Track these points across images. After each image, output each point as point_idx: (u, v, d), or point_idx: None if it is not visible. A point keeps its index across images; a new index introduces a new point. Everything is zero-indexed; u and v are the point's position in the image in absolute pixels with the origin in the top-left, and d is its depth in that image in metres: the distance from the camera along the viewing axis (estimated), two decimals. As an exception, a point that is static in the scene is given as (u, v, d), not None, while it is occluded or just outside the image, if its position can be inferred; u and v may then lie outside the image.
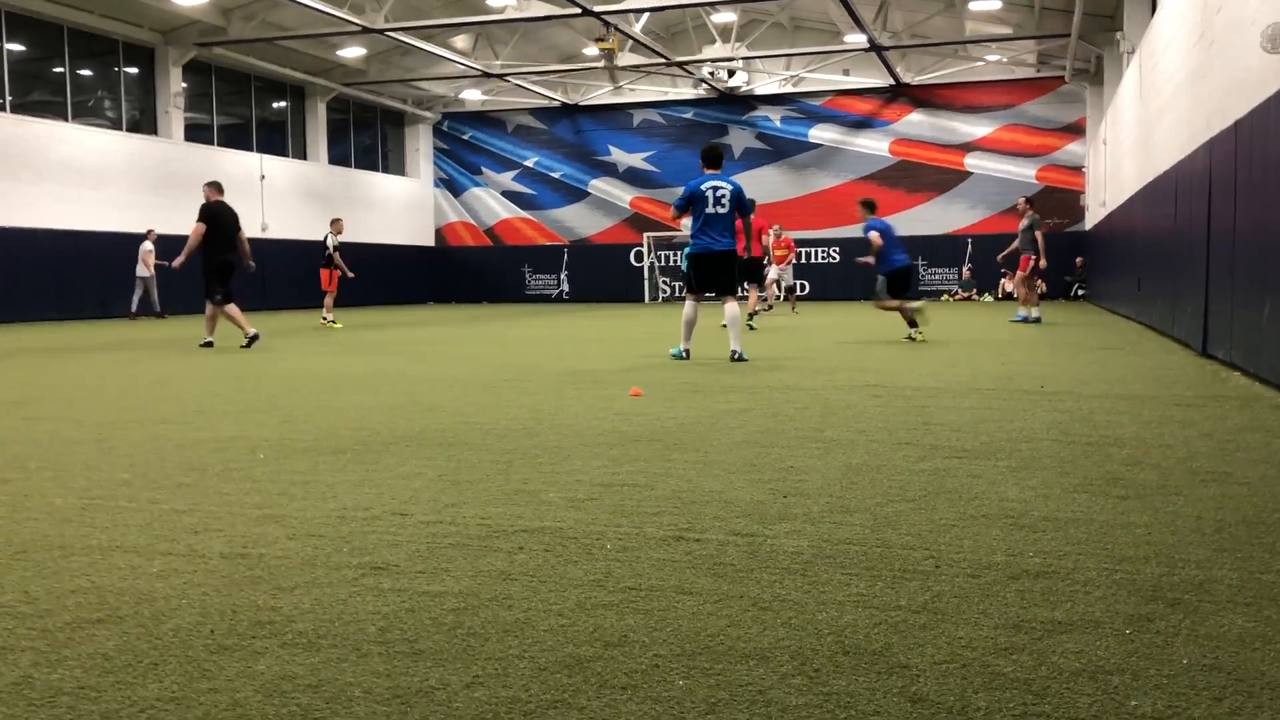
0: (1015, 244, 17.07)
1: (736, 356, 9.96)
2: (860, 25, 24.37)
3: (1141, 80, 16.04)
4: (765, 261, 18.95)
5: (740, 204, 10.16)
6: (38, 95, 23.78)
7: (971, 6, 25.69)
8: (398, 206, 35.13)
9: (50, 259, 22.45)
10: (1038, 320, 16.90)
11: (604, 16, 23.85)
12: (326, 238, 18.80)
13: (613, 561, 3.14)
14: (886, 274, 13.21)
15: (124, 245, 23.79)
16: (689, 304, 10.35)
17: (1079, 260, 29.05)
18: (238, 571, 3.08)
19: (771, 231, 20.25)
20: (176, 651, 2.43)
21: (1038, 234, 16.47)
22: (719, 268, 10.12)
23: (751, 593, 2.82)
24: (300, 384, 8.50)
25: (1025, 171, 30.90)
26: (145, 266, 22.98)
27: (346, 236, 31.86)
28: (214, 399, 7.47)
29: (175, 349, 13.06)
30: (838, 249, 32.64)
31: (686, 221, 10.34)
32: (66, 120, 23.82)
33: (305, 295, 27.31)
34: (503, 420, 6.17)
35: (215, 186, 12.95)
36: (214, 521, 3.71)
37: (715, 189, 9.99)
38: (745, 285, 16.36)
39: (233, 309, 12.73)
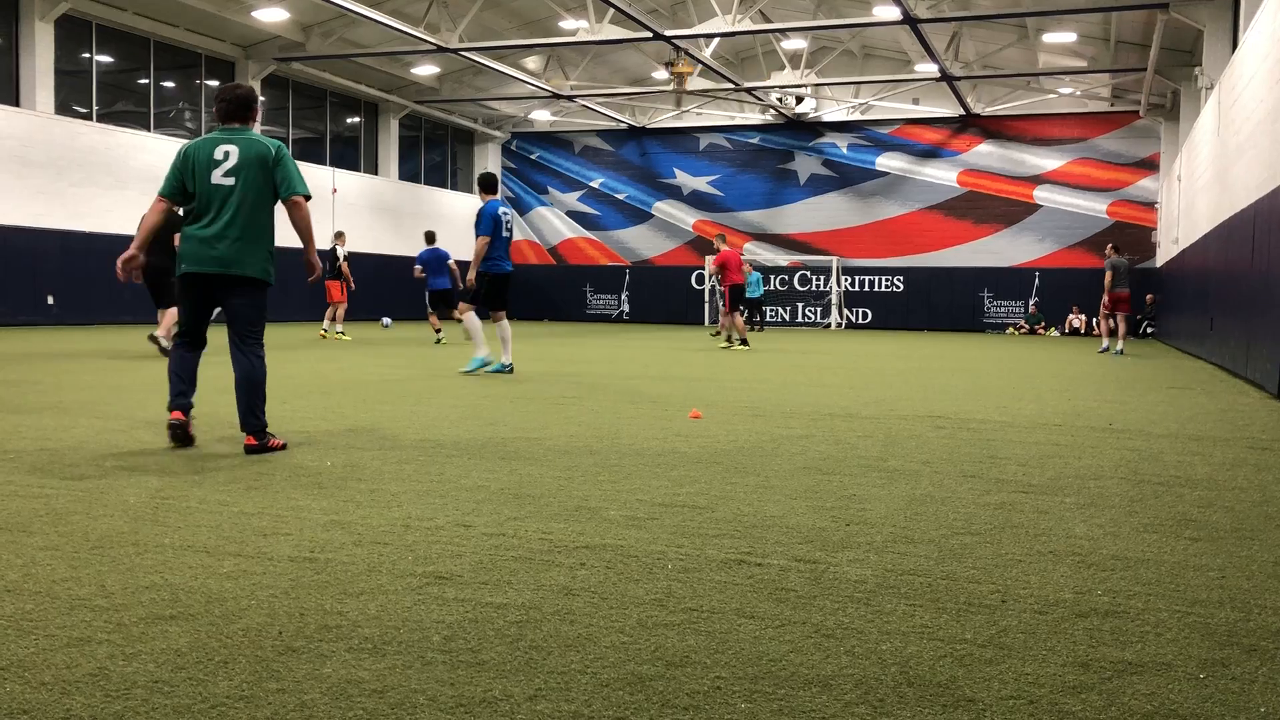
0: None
1: (507, 368, 11.08)
2: (931, 55, 24.24)
3: (1220, 117, 15.75)
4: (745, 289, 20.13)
5: (511, 230, 11.20)
6: (122, 105, 24.48)
7: (1045, 39, 25.44)
8: (465, 223, 35.51)
9: (127, 264, 23.01)
10: (1105, 351, 18.57)
11: (675, 41, 24.00)
12: (335, 250, 19.26)
13: (674, 582, 3.14)
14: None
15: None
16: (475, 316, 11.30)
17: (1150, 297, 28.51)
18: (305, 575, 3.13)
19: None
20: (246, 651, 2.48)
21: (1108, 276, 17.95)
22: (506, 288, 11.16)
23: (814, 619, 2.80)
24: (364, 393, 8.62)
25: (1096, 206, 30.43)
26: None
27: (413, 251, 32.55)
28: (280, 405, 7.60)
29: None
30: (901, 278, 32.37)
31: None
32: (149, 130, 24.48)
33: (372, 306, 27.84)
34: (563, 437, 6.20)
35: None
36: (282, 525, 3.77)
37: (505, 214, 11.00)
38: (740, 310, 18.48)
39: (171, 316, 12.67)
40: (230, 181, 5.48)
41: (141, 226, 5.71)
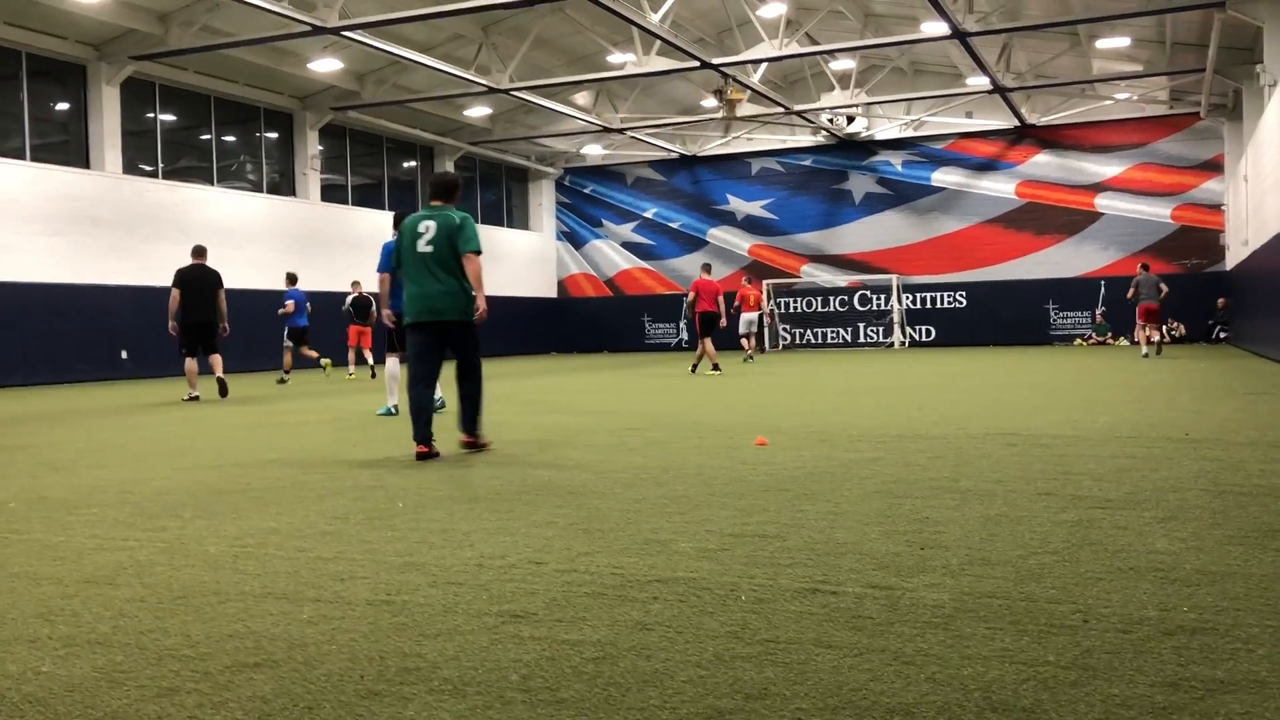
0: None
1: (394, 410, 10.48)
2: (983, 67, 24.04)
3: (1285, 113, 15.40)
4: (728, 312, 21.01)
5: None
6: (185, 161, 25.16)
7: (1099, 44, 25.10)
8: (522, 259, 35.91)
9: (197, 316, 23.57)
10: (1145, 356, 20.36)
11: (723, 69, 24.09)
12: (363, 297, 20.10)
13: (748, 613, 3.13)
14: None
15: (264, 301, 24.87)
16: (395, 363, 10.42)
17: (1221, 301, 27.87)
18: (383, 618, 3.17)
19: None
20: (330, 695, 2.52)
21: (1130, 291, 20.65)
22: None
23: (892, 646, 2.77)
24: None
25: (1160, 211, 29.86)
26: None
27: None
28: (350, 447, 7.71)
29: (304, 400, 13.53)
30: (963, 294, 32.00)
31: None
32: (212, 184, 25.12)
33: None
34: (630, 469, 6.21)
35: (192, 250, 13.92)
36: (358, 569, 3.82)
37: None
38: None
39: (189, 365, 13.73)
40: (430, 249, 6.97)
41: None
